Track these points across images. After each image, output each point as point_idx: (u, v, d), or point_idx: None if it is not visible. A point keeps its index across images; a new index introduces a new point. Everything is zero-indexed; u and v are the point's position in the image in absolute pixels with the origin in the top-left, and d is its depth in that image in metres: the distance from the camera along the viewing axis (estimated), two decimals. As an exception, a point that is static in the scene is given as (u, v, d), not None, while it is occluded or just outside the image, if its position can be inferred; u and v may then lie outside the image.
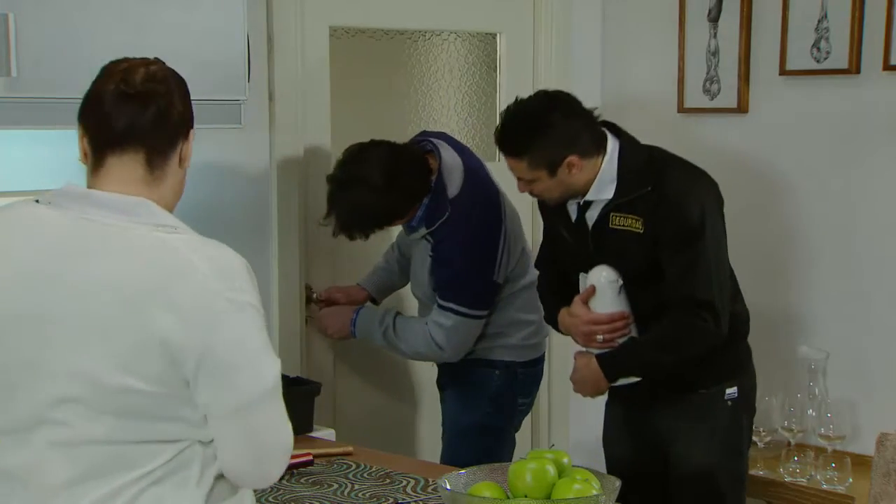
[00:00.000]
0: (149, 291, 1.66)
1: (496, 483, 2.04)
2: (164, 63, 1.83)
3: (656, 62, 3.80)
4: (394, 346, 3.16)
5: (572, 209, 2.81)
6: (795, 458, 3.25)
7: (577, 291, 2.81)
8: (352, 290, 3.36)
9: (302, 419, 2.88)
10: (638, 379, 2.79)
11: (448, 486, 2.03)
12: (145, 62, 1.79)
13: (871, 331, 3.41)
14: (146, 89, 1.75)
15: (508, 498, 2.01)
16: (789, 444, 3.36)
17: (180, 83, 1.82)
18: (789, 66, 3.49)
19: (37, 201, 1.77)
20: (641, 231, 2.69)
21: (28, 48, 2.38)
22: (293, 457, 2.57)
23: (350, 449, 2.74)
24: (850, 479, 3.14)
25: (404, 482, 2.50)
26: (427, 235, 3.08)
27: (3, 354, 1.70)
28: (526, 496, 1.98)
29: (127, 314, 1.65)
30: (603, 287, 2.74)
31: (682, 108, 3.75)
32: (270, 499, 2.40)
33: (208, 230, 3.17)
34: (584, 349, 2.84)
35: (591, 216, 2.77)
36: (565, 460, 2.06)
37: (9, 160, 2.83)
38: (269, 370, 1.72)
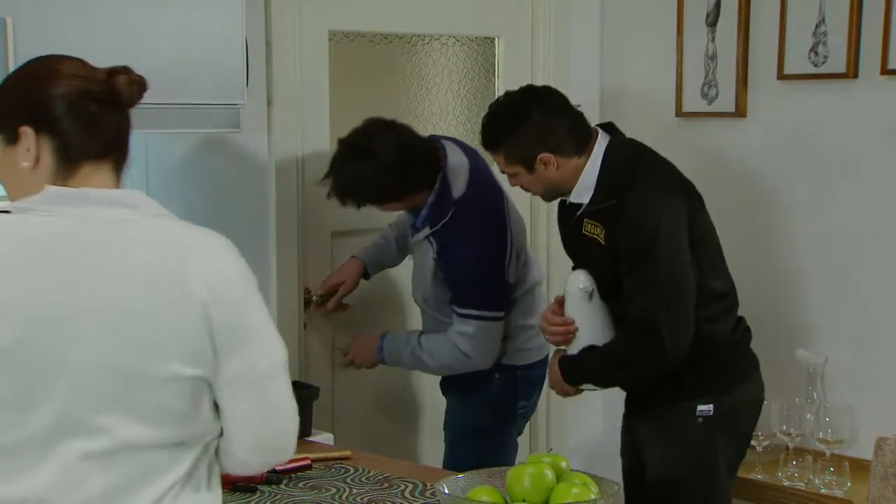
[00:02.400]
0: (180, 275, 1.66)
1: (495, 487, 2.04)
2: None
3: (654, 66, 3.81)
4: (422, 363, 3.15)
5: (570, 208, 2.82)
6: (794, 463, 3.25)
7: None
8: (346, 267, 3.33)
9: (300, 423, 2.87)
10: (604, 388, 2.85)
11: (446, 491, 2.04)
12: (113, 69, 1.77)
13: (869, 335, 3.41)
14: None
15: (507, 502, 2.01)
16: (787, 448, 3.36)
17: None
18: (787, 71, 3.49)
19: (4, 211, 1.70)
20: (603, 243, 2.71)
21: (27, 53, 2.38)
22: (291, 461, 2.58)
23: (348, 453, 2.74)
24: (849, 484, 3.14)
25: (403, 486, 2.50)
26: (430, 237, 3.07)
27: (21, 372, 1.61)
28: (524, 500, 1.98)
29: (164, 300, 1.64)
30: (569, 292, 2.76)
31: (680, 113, 3.75)
32: (268, 503, 2.40)
33: (207, 234, 3.19)
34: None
35: (573, 218, 2.80)
36: (564, 465, 2.06)
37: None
38: (280, 343, 1.78)
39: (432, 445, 3.57)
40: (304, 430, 2.89)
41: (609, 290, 2.74)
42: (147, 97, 2.58)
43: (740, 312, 3.64)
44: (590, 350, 2.76)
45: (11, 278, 1.63)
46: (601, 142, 2.77)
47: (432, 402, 3.59)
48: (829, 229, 3.47)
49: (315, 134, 3.36)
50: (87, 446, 1.62)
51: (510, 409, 3.20)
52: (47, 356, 1.61)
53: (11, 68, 2.33)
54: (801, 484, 3.22)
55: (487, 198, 3.12)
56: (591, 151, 2.75)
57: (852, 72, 3.35)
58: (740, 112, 3.61)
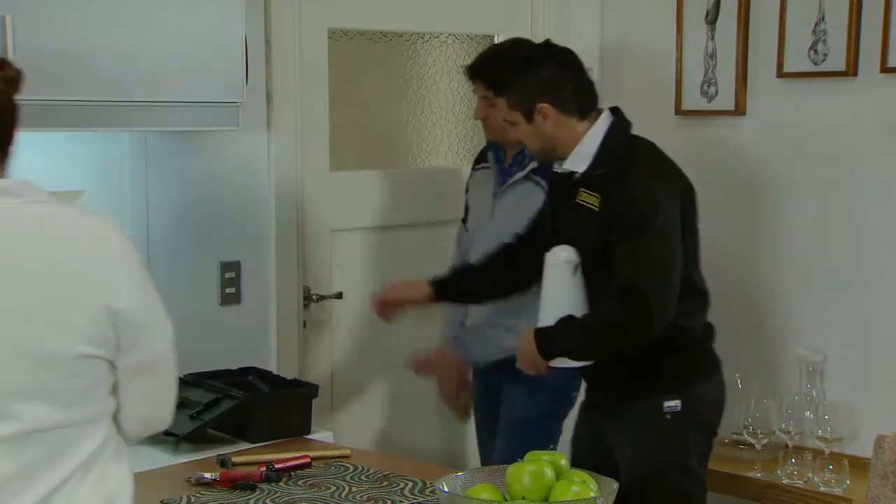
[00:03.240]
0: (73, 260, 1.71)
1: (494, 485, 2.04)
2: None
3: (654, 64, 3.81)
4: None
5: (562, 178, 2.83)
6: (793, 461, 3.25)
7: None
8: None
9: (299, 421, 2.89)
10: (576, 365, 2.81)
11: (446, 489, 2.03)
12: None
13: (868, 333, 3.41)
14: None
15: (506, 500, 2.01)
16: (787, 446, 3.36)
17: None
18: (787, 69, 3.49)
19: None
20: (597, 209, 2.70)
21: (26, 51, 2.38)
22: (291, 459, 2.59)
23: (347, 451, 2.73)
24: (848, 482, 3.14)
25: (402, 484, 2.50)
26: (536, 173, 3.04)
27: None
28: (524, 498, 1.98)
29: (61, 284, 1.70)
30: (551, 264, 2.76)
31: (679, 111, 3.75)
32: (268, 501, 2.40)
33: (206, 232, 3.21)
34: None
35: (566, 187, 2.80)
36: (563, 462, 2.06)
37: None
38: (169, 323, 1.85)
39: (432, 443, 3.57)
40: (304, 428, 2.89)
41: (593, 264, 2.73)
42: (147, 95, 2.60)
43: (741, 310, 3.65)
44: (569, 319, 2.73)
45: None
46: (606, 118, 2.79)
47: (432, 399, 3.59)
48: (828, 227, 3.47)
49: (314, 132, 3.36)
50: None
51: (567, 399, 3.22)
52: None
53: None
54: (801, 482, 3.22)
55: None
56: (594, 121, 2.77)
57: (852, 70, 3.35)
58: (740, 110, 3.61)
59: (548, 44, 2.87)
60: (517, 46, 3.08)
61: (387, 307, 3.05)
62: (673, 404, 2.76)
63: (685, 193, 2.76)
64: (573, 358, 2.79)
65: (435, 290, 3.03)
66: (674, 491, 2.79)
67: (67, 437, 1.72)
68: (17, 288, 1.68)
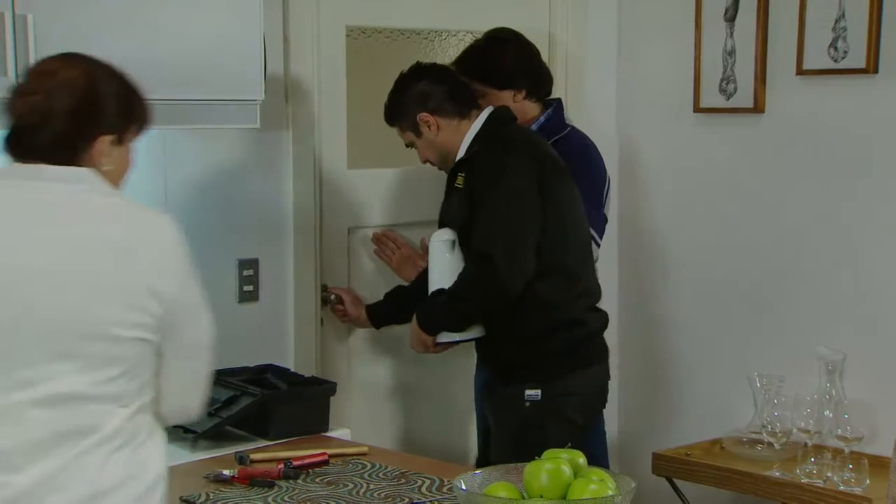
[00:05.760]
0: (131, 246, 1.85)
1: (512, 483, 2.04)
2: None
3: (672, 62, 3.80)
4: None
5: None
6: (812, 460, 3.24)
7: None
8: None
9: (317, 419, 2.89)
10: (460, 339, 2.99)
11: (463, 487, 2.03)
12: None
13: (888, 331, 3.39)
14: None
15: (524, 498, 2.01)
16: (806, 445, 3.35)
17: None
18: (806, 66, 3.48)
19: None
20: (463, 186, 2.95)
21: (47, 50, 2.39)
22: (309, 456, 2.59)
23: (365, 449, 2.74)
24: (868, 481, 3.12)
25: (419, 482, 2.50)
26: None
27: None
28: (542, 496, 1.98)
29: (120, 267, 1.83)
30: (433, 243, 3.00)
31: (697, 108, 3.74)
32: (286, 498, 2.41)
33: (224, 230, 3.21)
34: None
35: (451, 176, 3.04)
36: (581, 460, 2.06)
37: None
38: (211, 323, 2.01)
39: (449, 441, 3.57)
40: (321, 425, 2.90)
41: (466, 241, 2.93)
42: (165, 93, 2.61)
43: (760, 308, 3.63)
44: (439, 291, 2.95)
45: None
46: (486, 112, 3.03)
47: (449, 397, 3.59)
48: (847, 224, 3.46)
49: (332, 129, 3.36)
50: (36, 394, 1.79)
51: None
52: (4, 313, 1.80)
53: (32, 63, 2.36)
54: (820, 481, 3.20)
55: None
56: (474, 119, 3.01)
57: (872, 67, 3.33)
58: (759, 108, 3.59)
59: (416, 64, 3.11)
60: (496, 37, 3.30)
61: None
62: (533, 393, 2.92)
63: (545, 171, 2.92)
64: (449, 328, 2.99)
65: (370, 316, 3.26)
66: None
67: (98, 411, 1.82)
68: (63, 264, 1.81)
